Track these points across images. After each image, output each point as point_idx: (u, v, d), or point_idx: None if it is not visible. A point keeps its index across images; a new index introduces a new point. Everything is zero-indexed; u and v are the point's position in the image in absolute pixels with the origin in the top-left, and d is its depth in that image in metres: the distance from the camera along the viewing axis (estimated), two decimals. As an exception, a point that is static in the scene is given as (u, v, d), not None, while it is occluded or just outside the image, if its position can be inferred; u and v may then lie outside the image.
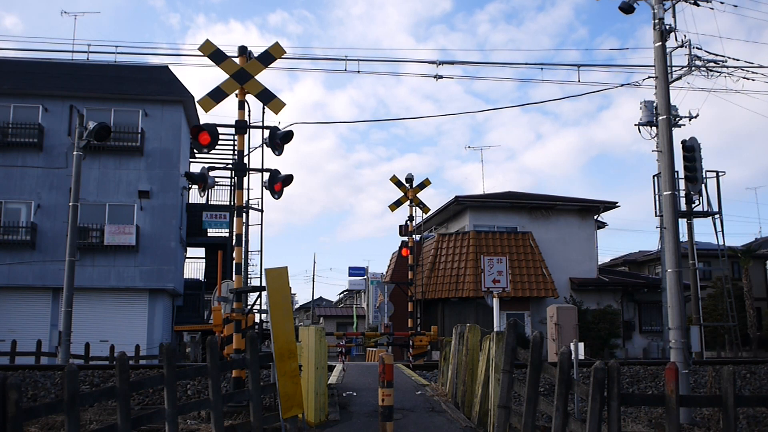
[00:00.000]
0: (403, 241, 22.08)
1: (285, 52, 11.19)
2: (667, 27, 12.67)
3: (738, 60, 15.23)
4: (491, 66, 48.42)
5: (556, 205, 30.12)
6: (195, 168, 29.00)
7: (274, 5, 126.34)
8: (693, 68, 14.26)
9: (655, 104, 13.75)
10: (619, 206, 30.75)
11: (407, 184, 21.81)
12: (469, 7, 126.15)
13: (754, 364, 15.44)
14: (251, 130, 11.23)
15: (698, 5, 13.29)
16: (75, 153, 16.34)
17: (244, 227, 10.71)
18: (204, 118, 33.89)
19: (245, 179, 10.89)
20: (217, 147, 16.36)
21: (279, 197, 11.37)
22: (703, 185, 19.04)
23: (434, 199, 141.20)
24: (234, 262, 10.55)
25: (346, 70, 16.97)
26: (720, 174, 20.40)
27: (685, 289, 14.45)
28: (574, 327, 20.61)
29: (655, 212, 18.05)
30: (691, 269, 19.74)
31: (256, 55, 11.06)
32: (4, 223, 23.70)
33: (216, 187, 29.96)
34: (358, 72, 17.44)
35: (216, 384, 8.11)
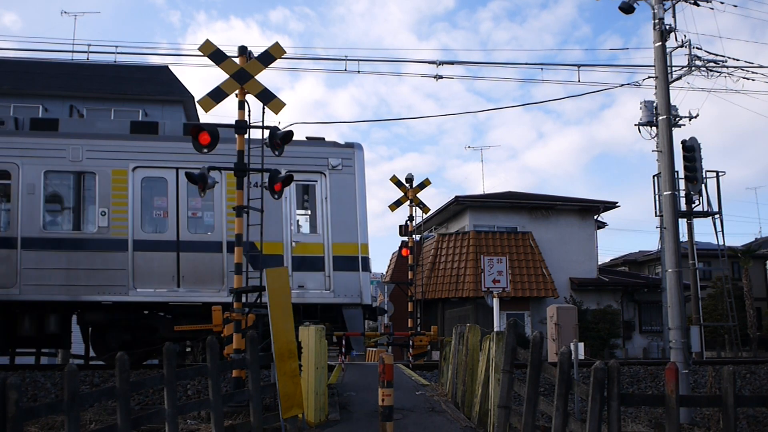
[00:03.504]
0: (403, 241, 22.04)
1: (285, 52, 11.18)
2: (667, 27, 12.68)
3: (738, 60, 15.22)
4: (492, 66, 48.49)
5: (556, 205, 30.13)
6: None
7: (275, 2, 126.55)
8: (693, 68, 14.27)
9: (655, 104, 13.75)
10: (619, 206, 30.78)
11: (407, 184, 21.77)
12: (471, 4, 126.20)
13: (754, 364, 15.44)
14: (251, 129, 11.22)
15: (698, 5, 13.30)
16: (75, 153, 16.31)
17: (244, 227, 10.70)
18: (204, 118, 33.93)
19: (245, 179, 10.88)
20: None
21: (279, 197, 11.37)
22: (703, 185, 19.03)
23: (435, 198, 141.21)
24: (234, 262, 10.53)
25: (346, 69, 16.95)
26: (720, 174, 20.40)
27: (685, 289, 14.46)
28: (574, 327, 20.61)
29: (655, 212, 18.02)
30: (691, 269, 19.75)
31: (256, 55, 11.05)
32: (4, 223, 23.69)
33: (216, 187, 29.91)
34: (358, 72, 17.44)
35: (216, 384, 8.11)
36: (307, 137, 14.98)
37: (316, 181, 14.34)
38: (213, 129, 10.67)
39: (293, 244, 14.01)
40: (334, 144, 14.74)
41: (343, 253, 14.08)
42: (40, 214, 13.52)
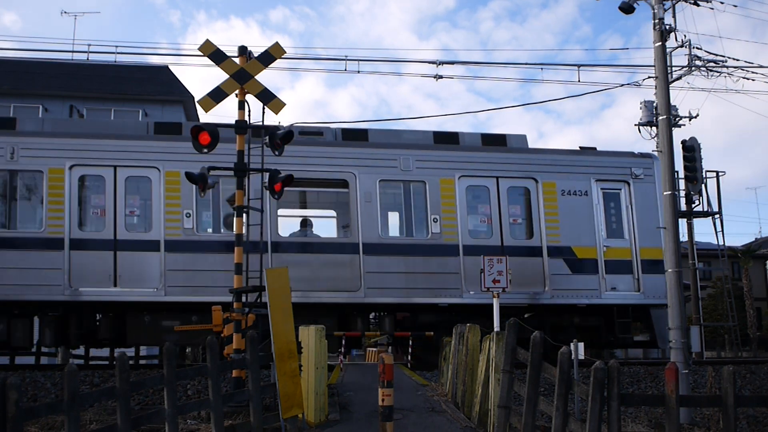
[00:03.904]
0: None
1: (285, 52, 11.18)
2: (667, 27, 12.67)
3: (738, 60, 15.20)
4: (492, 66, 48.63)
5: (556, 205, 30.03)
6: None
7: (276, 1, 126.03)
8: (693, 68, 14.27)
9: (655, 104, 13.75)
10: (619, 206, 30.68)
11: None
12: (472, 4, 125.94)
13: (754, 364, 15.43)
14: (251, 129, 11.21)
15: (698, 5, 13.29)
16: (75, 153, 16.31)
17: (244, 227, 10.70)
18: (204, 118, 33.92)
19: (245, 179, 10.87)
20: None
21: (279, 197, 11.35)
22: (703, 185, 19.07)
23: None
24: (234, 262, 10.53)
25: (346, 70, 16.91)
26: (720, 174, 20.45)
27: (685, 289, 14.47)
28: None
29: (655, 212, 17.99)
30: (691, 269, 19.78)
31: (256, 55, 11.05)
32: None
33: (216, 187, 29.89)
34: (358, 72, 17.42)
35: (216, 384, 8.11)
36: (580, 147, 16.12)
37: (620, 190, 15.29)
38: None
39: (604, 248, 14.88)
40: (632, 154, 15.79)
41: (649, 257, 14.87)
42: (378, 220, 14.33)
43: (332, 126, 15.52)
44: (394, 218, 15.22)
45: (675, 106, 17.94)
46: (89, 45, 29.45)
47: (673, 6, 12.75)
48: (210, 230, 14.30)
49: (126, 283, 13.39)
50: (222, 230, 14.18)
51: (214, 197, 13.98)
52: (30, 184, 13.84)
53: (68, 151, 13.66)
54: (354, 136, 15.04)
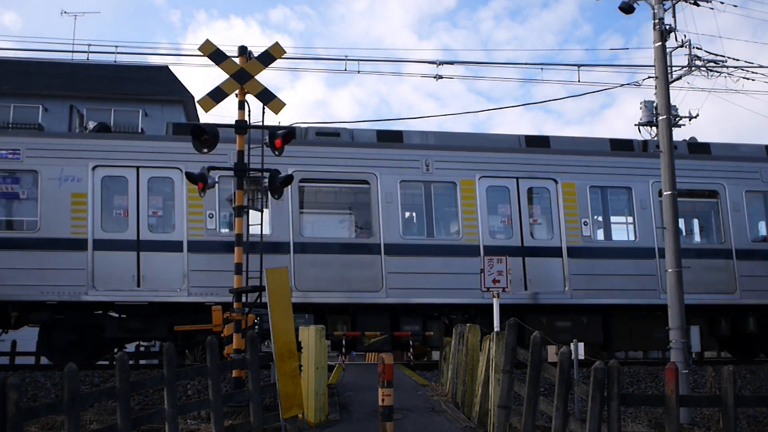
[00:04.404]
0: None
1: (285, 52, 11.17)
2: (667, 27, 12.66)
3: (738, 60, 15.17)
4: (493, 65, 48.56)
5: (555, 205, 30.05)
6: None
7: (276, 1, 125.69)
8: (693, 68, 14.24)
9: (655, 104, 13.74)
10: (619, 206, 30.67)
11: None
12: (472, 3, 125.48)
13: (754, 364, 15.44)
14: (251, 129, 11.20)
15: (698, 5, 13.27)
16: (75, 153, 16.29)
17: (244, 227, 10.70)
18: (204, 118, 33.96)
19: (245, 179, 10.87)
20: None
21: (279, 197, 11.36)
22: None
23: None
24: (234, 262, 10.53)
25: (346, 69, 16.89)
26: (720, 174, 20.38)
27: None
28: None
29: (655, 212, 17.95)
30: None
31: (256, 55, 11.05)
32: (4, 223, 23.69)
33: (216, 186, 29.90)
34: (358, 72, 17.42)
35: (216, 384, 8.11)
36: None
37: None
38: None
39: None
40: None
41: None
42: (746, 228, 15.94)
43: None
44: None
45: (675, 106, 17.96)
46: (89, 45, 29.36)
47: (673, 6, 12.74)
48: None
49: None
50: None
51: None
52: None
53: None
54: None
